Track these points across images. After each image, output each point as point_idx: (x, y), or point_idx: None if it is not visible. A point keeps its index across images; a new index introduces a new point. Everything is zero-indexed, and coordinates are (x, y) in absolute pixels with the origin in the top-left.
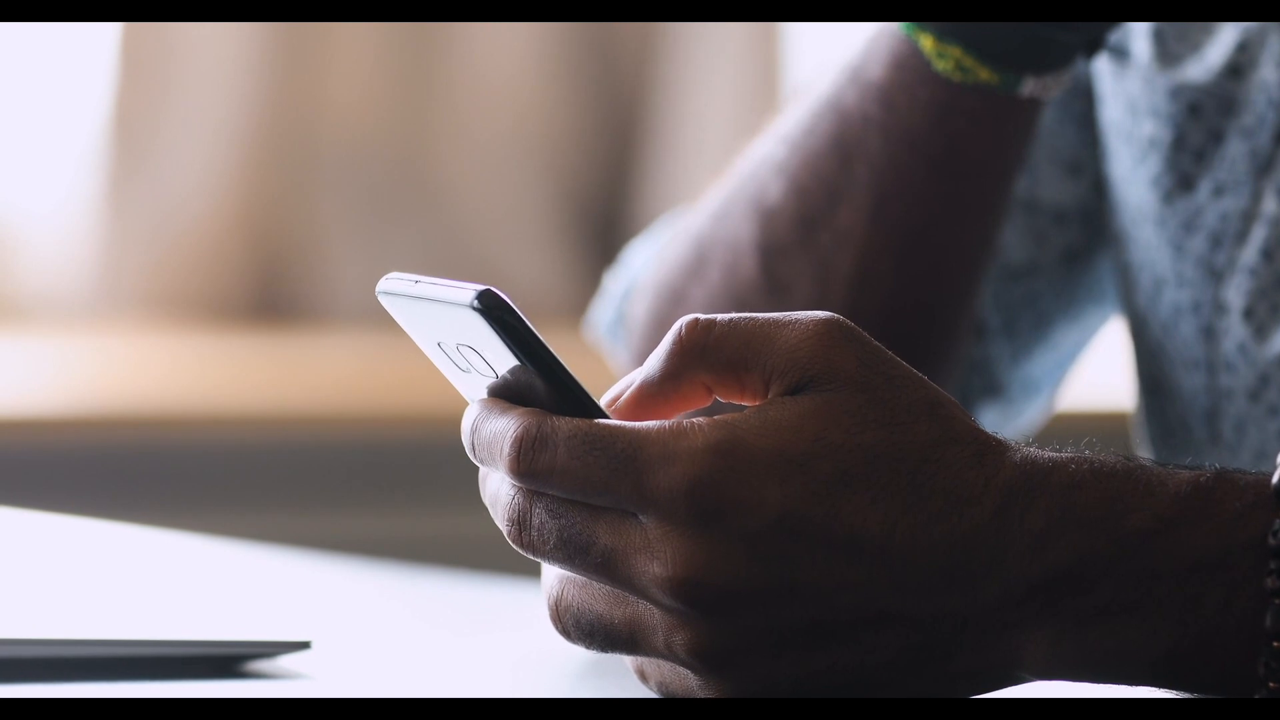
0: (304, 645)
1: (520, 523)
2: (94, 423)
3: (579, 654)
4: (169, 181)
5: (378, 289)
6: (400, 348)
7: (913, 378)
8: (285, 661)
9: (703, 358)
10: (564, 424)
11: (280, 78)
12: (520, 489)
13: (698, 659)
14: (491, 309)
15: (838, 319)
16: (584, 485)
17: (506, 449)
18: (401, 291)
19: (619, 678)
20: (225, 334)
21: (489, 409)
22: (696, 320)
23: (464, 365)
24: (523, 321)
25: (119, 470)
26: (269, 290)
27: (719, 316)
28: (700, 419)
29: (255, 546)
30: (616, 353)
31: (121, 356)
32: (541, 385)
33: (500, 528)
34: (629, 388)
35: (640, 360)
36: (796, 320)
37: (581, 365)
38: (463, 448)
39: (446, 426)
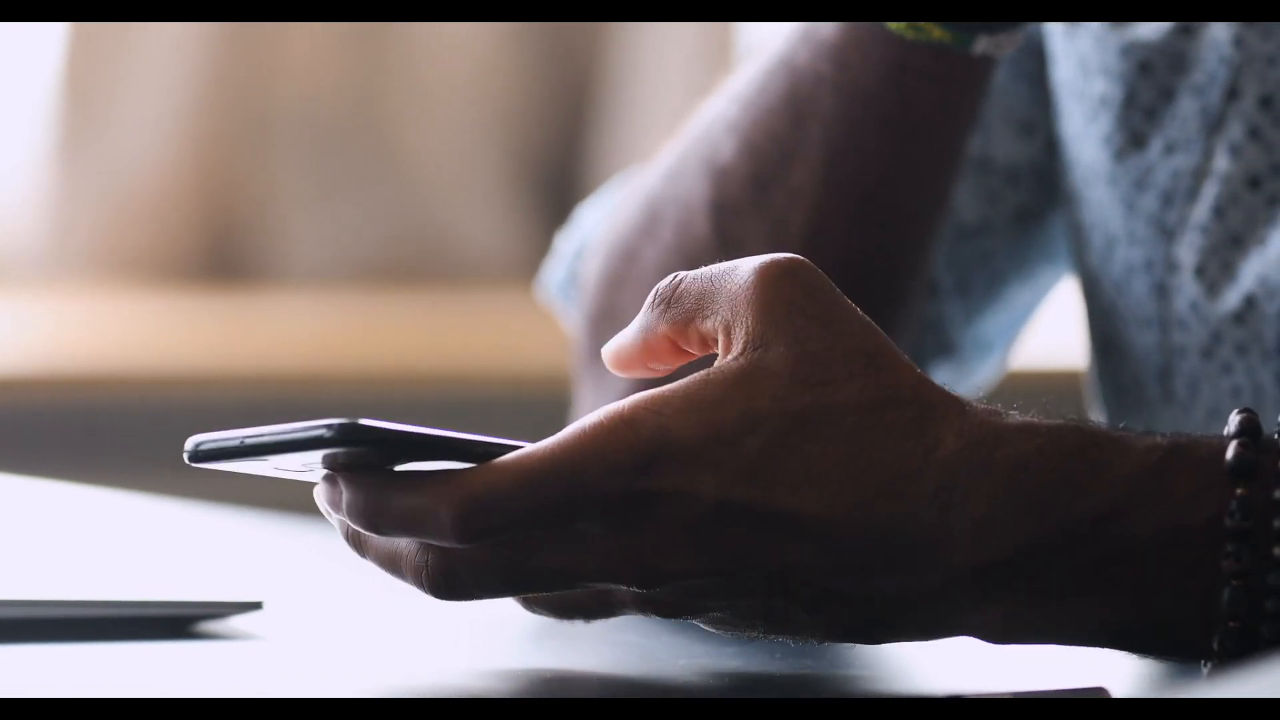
0: (255, 606)
1: (447, 572)
2: (46, 383)
3: (533, 616)
4: (122, 142)
5: (189, 455)
6: (354, 308)
7: (854, 324)
8: (237, 622)
9: (665, 312)
10: (499, 480)
11: (234, 38)
12: (432, 547)
13: (668, 617)
14: (359, 436)
15: (785, 260)
16: (539, 525)
17: (449, 524)
18: (228, 451)
19: (573, 639)
20: (178, 294)
21: (381, 488)
22: (674, 275)
23: (308, 469)
24: (399, 431)
25: (71, 431)
26: (222, 250)
27: (692, 272)
28: (622, 410)
29: (207, 507)
30: (568, 313)
31: (74, 317)
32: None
33: (409, 583)
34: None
35: (592, 320)
36: (742, 265)
37: (534, 325)
38: (419, 404)
39: (400, 386)
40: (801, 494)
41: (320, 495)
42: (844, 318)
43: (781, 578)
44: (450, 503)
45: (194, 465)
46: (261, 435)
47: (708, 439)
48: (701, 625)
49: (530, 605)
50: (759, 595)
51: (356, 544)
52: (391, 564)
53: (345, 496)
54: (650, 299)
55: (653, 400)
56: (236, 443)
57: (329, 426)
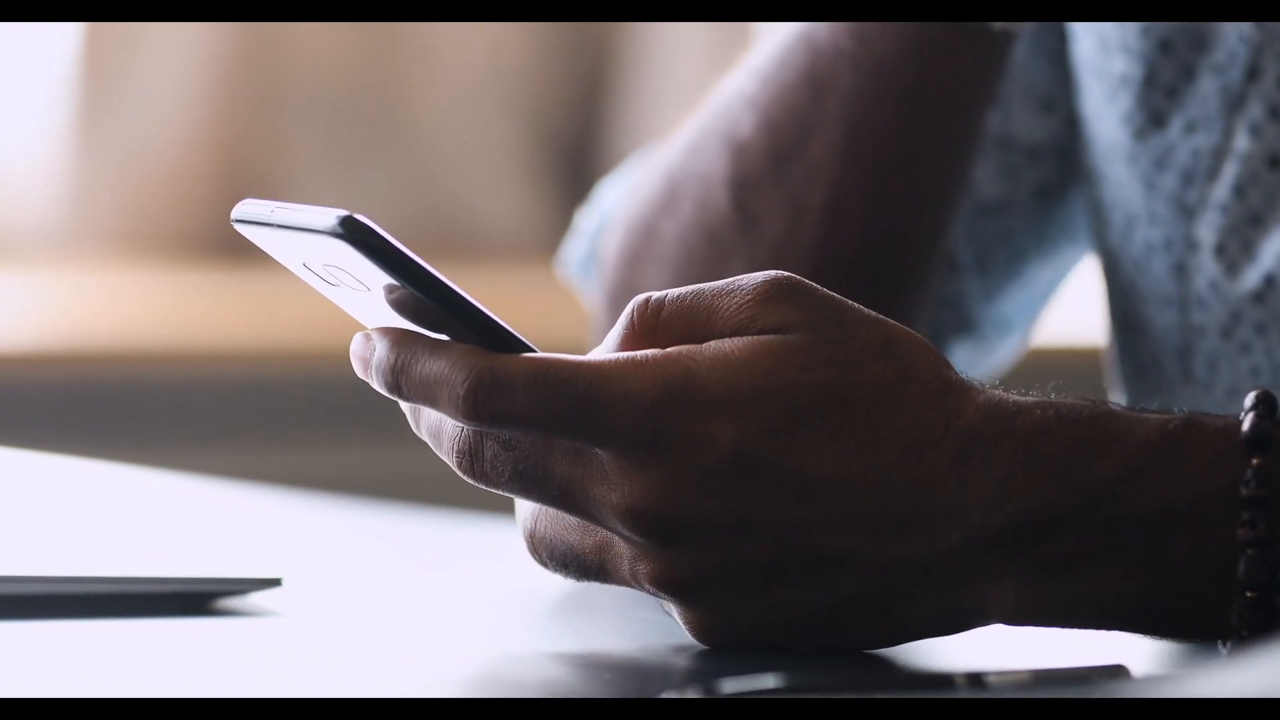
0: (275, 582)
1: (472, 454)
2: (63, 358)
3: (550, 591)
4: (140, 116)
5: (233, 216)
6: None
7: (865, 320)
8: (256, 599)
9: (653, 341)
10: (517, 367)
11: None
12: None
13: (660, 588)
14: (358, 235)
15: (780, 277)
16: (544, 428)
17: (459, 395)
18: (259, 219)
19: (590, 614)
20: (195, 269)
21: (412, 347)
22: (647, 302)
23: (333, 280)
24: (395, 246)
25: (88, 406)
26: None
27: (669, 295)
28: (654, 352)
29: (225, 483)
30: (588, 290)
31: (91, 292)
32: (434, 307)
33: (445, 459)
34: None
35: (611, 297)
36: (738, 287)
37: (554, 302)
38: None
39: None
40: (819, 455)
41: (355, 350)
42: (855, 316)
43: (787, 533)
44: (464, 375)
45: (235, 226)
46: (288, 210)
47: (733, 390)
48: (681, 619)
49: (545, 565)
50: (761, 549)
51: (411, 418)
52: (434, 436)
53: (376, 352)
54: (628, 331)
55: (683, 349)
56: (267, 211)
57: (337, 216)
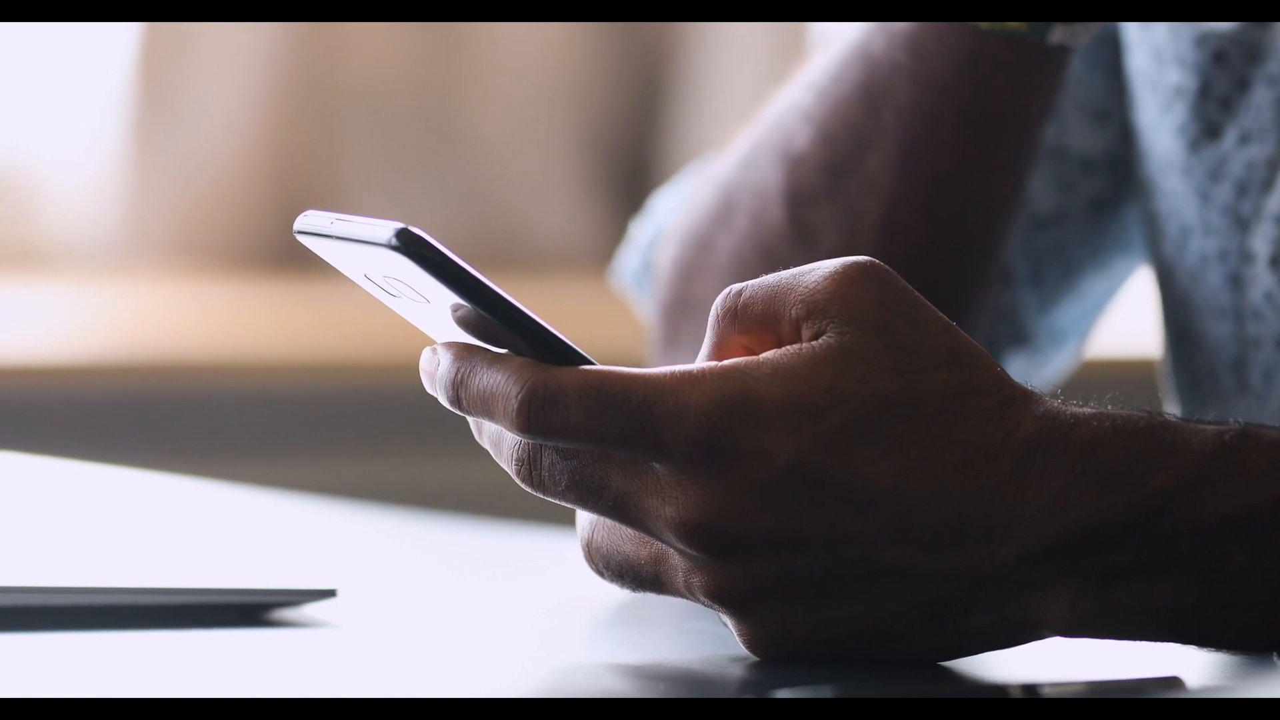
0: (330, 593)
1: (530, 462)
2: (120, 370)
3: (606, 601)
4: (195, 128)
5: (295, 228)
6: None
7: (937, 322)
8: (311, 610)
9: (736, 321)
10: (571, 381)
11: (307, 26)
12: None
13: (715, 600)
14: (412, 247)
15: (864, 261)
16: (598, 441)
17: (514, 409)
18: (319, 231)
19: (646, 625)
20: (251, 281)
21: (471, 361)
22: (730, 289)
23: (394, 291)
24: (450, 258)
25: (145, 418)
26: (295, 237)
27: (750, 282)
28: (711, 365)
29: (281, 494)
30: (642, 301)
31: (147, 304)
32: (490, 320)
33: (505, 467)
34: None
35: (666, 308)
36: (820, 266)
37: (608, 313)
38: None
39: None
40: (878, 466)
41: (423, 365)
42: (928, 316)
43: (842, 545)
44: (519, 389)
45: (298, 237)
46: (346, 222)
47: (790, 405)
48: (737, 631)
49: (601, 574)
50: (817, 561)
51: (475, 428)
52: (494, 445)
53: (439, 366)
54: (714, 319)
55: (739, 363)
56: (327, 223)
57: (393, 229)
